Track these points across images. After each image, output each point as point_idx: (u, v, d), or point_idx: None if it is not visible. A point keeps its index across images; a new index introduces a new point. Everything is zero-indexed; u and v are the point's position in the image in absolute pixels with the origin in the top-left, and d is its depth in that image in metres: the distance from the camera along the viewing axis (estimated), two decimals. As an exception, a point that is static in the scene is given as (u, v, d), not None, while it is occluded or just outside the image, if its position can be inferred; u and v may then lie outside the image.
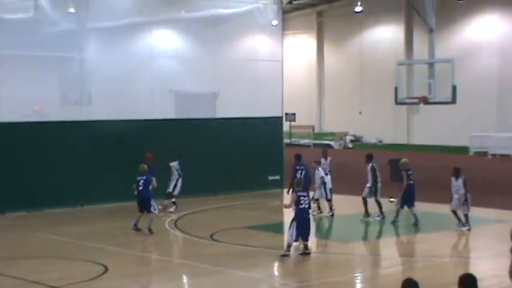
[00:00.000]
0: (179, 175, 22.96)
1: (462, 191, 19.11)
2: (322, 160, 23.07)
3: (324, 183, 21.88)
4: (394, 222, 20.46)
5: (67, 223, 21.58)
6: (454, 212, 19.35)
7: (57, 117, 24.21)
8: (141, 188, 19.33)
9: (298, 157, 22.33)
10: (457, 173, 19.34)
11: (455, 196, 19.24)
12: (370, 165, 21.38)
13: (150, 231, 19.06)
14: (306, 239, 16.24)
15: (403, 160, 20.97)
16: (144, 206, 19.21)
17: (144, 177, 19.43)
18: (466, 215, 19.32)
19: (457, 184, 19.24)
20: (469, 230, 19.12)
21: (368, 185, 21.42)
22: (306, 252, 16.27)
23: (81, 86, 24.97)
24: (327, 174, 22.30)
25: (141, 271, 15.86)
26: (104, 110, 24.72)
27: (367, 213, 21.31)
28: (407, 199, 20.39)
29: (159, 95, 26.35)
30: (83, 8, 24.89)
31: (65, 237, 19.15)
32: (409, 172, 20.57)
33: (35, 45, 23.62)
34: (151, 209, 19.24)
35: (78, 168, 24.11)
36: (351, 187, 24.05)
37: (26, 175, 23.22)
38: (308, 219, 16.39)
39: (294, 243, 16.20)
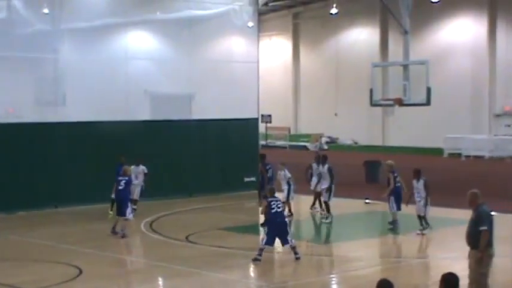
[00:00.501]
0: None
1: (423, 194, 18.90)
2: (314, 165, 22.50)
3: (289, 185, 21.69)
4: (395, 230, 19.85)
5: (41, 225, 21.40)
6: (419, 216, 19.10)
7: (31, 119, 24.01)
8: (121, 187, 19.25)
9: (263, 157, 22.65)
10: (417, 175, 19.06)
11: (417, 199, 19.01)
12: (327, 166, 21.29)
13: (124, 236, 18.99)
14: (284, 242, 16.05)
15: (389, 162, 20.57)
16: (121, 209, 19.08)
17: (126, 178, 19.42)
18: (424, 217, 19.04)
19: (418, 186, 19.01)
20: (426, 229, 18.96)
21: (325, 186, 21.25)
22: (295, 257, 16.02)
23: (55, 87, 24.81)
24: (318, 181, 22.01)
25: (116, 273, 15.77)
26: (79, 111, 24.58)
27: (329, 213, 21.20)
28: (397, 201, 19.92)
29: (135, 96, 26.24)
30: (57, 9, 24.73)
31: (39, 239, 18.99)
32: (395, 174, 20.17)
33: (8, 46, 23.44)
34: (127, 214, 19.13)
35: (53, 169, 23.93)
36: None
37: (0, 177, 23.00)
38: (281, 223, 16.05)
39: (267, 247, 16.02)
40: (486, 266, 11.21)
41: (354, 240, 19.72)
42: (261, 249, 15.92)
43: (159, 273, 15.62)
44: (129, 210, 19.24)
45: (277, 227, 15.92)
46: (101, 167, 24.64)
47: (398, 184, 20.08)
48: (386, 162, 20.71)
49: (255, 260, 15.86)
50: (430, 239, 18.97)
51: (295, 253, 16.05)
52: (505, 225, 20.95)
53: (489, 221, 11.29)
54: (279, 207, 16.01)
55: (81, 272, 15.08)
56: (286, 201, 21.74)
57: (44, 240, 18.84)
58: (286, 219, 16.68)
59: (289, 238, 15.98)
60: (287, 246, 16.04)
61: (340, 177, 22.38)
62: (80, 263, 15.67)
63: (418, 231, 18.98)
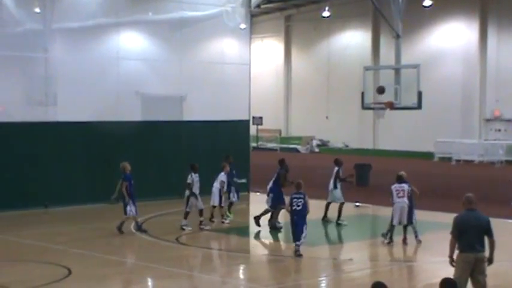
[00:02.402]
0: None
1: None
2: (338, 169, 21.44)
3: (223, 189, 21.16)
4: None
5: (31, 225, 21.31)
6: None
7: (21, 118, 23.92)
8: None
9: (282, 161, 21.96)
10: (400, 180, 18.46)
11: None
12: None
13: (119, 230, 19.30)
14: (294, 239, 16.58)
15: (400, 173, 19.03)
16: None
17: (122, 176, 19.36)
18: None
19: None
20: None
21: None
22: (296, 254, 16.52)
23: (46, 86, 24.72)
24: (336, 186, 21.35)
25: (106, 274, 15.71)
26: (70, 111, 24.49)
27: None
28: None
29: (126, 97, 26.17)
30: (48, 8, 24.64)
31: (28, 239, 18.89)
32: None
33: (-1, 45, 23.37)
34: (127, 211, 19.27)
35: (43, 169, 23.83)
36: (318, 191, 24.04)
37: (-11, 176, 22.91)
38: (294, 221, 16.61)
39: (296, 243, 16.62)
40: (458, 270, 11.28)
41: (345, 243, 19.72)
42: (297, 245, 16.54)
43: (149, 274, 15.57)
44: (128, 208, 19.21)
45: (292, 224, 16.66)
46: (91, 168, 24.61)
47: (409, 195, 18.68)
48: (398, 174, 19.09)
49: (298, 256, 16.43)
50: (416, 243, 18.91)
51: (297, 250, 16.49)
52: (494, 230, 20.99)
53: (465, 227, 11.30)
54: (298, 206, 16.54)
55: (70, 272, 15.02)
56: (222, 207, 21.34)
57: (33, 240, 18.74)
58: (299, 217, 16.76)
59: (302, 236, 16.50)
60: (297, 243, 16.53)
61: (329, 179, 22.29)
62: (69, 264, 15.60)
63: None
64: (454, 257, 11.50)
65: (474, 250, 11.26)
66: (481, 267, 11.34)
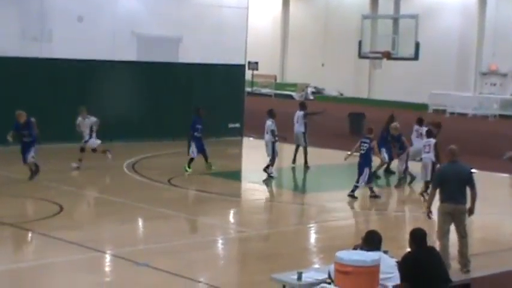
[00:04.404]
0: None
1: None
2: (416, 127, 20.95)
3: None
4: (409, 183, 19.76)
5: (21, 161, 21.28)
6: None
7: (15, 53, 23.72)
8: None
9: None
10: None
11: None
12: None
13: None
14: (357, 181, 17.40)
15: (394, 124, 19.82)
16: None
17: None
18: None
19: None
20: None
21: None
22: (371, 195, 17.60)
23: (41, 22, 24.44)
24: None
25: (97, 212, 15.82)
26: (65, 48, 24.29)
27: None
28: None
29: (122, 36, 25.92)
30: None
31: (19, 175, 18.91)
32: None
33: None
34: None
35: (35, 105, 23.67)
36: (318, 139, 24.10)
37: (-18, 111, 22.79)
38: (360, 163, 17.43)
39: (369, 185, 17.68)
40: (440, 221, 11.57)
41: (335, 190, 19.83)
42: (370, 188, 17.69)
43: (140, 214, 15.67)
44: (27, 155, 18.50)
45: (358, 166, 17.52)
46: (84, 105, 24.49)
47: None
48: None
49: (374, 197, 17.62)
50: (409, 193, 19.12)
51: (371, 191, 17.63)
52: (483, 183, 21.15)
53: (446, 178, 11.45)
54: (363, 150, 17.39)
55: (61, 209, 15.10)
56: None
57: (26, 176, 18.75)
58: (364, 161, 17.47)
59: (361, 179, 17.34)
60: (367, 185, 17.59)
61: (324, 128, 22.37)
62: (60, 201, 15.68)
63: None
64: (433, 209, 11.67)
65: (453, 201, 11.40)
66: (461, 217, 11.52)
